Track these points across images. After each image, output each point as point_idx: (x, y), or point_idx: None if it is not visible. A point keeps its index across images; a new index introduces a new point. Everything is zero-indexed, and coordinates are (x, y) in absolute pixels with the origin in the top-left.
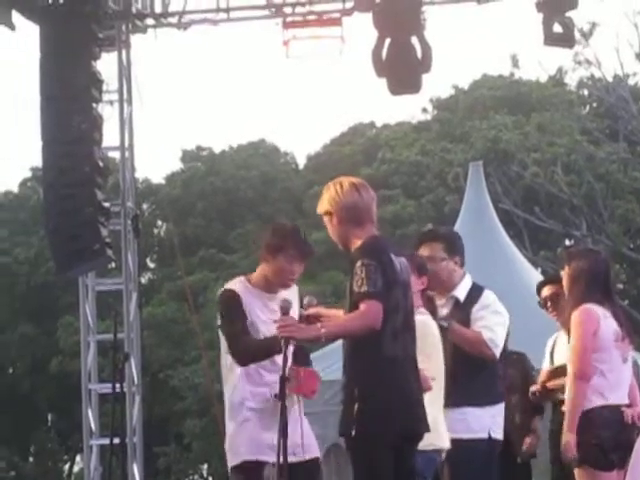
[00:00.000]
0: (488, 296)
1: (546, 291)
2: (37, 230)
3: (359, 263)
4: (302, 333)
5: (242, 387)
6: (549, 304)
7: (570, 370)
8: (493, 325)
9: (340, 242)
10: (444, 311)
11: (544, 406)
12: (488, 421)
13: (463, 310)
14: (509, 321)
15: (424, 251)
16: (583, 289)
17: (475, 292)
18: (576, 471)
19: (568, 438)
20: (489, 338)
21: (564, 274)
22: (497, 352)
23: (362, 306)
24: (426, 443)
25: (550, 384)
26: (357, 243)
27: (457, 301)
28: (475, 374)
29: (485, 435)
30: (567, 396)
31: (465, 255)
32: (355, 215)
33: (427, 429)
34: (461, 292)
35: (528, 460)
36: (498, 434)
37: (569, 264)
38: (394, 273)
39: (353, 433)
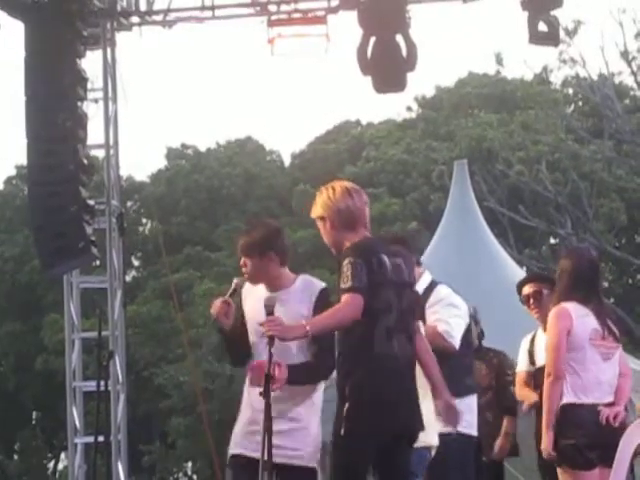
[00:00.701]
0: (440, 290)
1: (527, 289)
2: (22, 228)
3: (345, 261)
4: (289, 332)
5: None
6: (531, 301)
7: (545, 369)
8: (447, 317)
9: (333, 246)
10: None
11: (517, 406)
12: None
13: (421, 307)
14: (470, 312)
15: None
16: (565, 287)
17: (429, 288)
18: (558, 470)
19: (546, 437)
20: (444, 330)
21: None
22: (455, 343)
23: (342, 298)
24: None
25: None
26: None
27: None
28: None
29: (451, 429)
30: (544, 395)
31: (450, 254)
32: (348, 220)
33: (421, 428)
34: (418, 290)
35: (500, 459)
36: (466, 428)
37: (558, 262)
38: (383, 273)
39: (342, 431)
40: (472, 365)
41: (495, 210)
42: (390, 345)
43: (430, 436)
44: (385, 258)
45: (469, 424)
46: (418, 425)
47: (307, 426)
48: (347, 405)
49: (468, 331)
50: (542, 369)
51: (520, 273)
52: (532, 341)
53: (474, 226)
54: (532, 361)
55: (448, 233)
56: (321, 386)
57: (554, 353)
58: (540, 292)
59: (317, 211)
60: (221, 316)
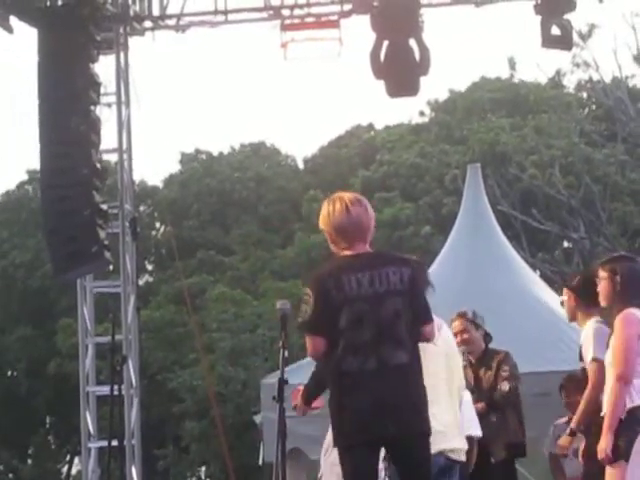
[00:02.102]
0: None
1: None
2: (34, 233)
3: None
4: None
5: None
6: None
7: (612, 372)
8: None
9: None
10: None
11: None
12: None
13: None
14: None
15: None
16: (627, 294)
17: None
18: (608, 468)
19: (605, 439)
20: None
21: (600, 279)
22: None
23: (306, 338)
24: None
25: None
26: None
27: None
28: None
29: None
30: (608, 398)
31: (464, 258)
32: (343, 236)
33: (412, 432)
34: None
35: (512, 458)
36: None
37: (610, 269)
38: (344, 293)
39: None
40: None
41: (508, 214)
42: (360, 360)
43: (443, 441)
44: (348, 277)
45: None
46: (405, 428)
47: None
48: (330, 422)
49: None
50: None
51: (533, 277)
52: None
53: (487, 230)
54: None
55: (461, 237)
56: None
57: (624, 357)
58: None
59: (320, 223)
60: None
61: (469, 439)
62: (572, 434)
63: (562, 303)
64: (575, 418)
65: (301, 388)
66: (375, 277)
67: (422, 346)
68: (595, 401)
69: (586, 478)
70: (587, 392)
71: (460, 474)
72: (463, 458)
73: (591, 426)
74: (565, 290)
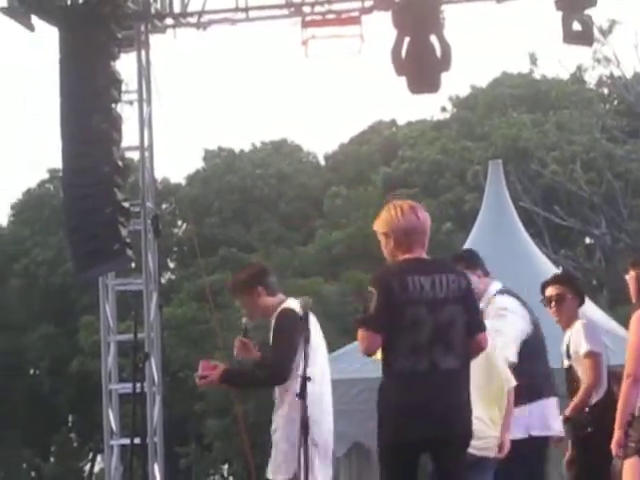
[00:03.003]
0: (495, 303)
1: (550, 291)
2: (56, 231)
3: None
4: None
5: None
6: (553, 304)
7: (625, 371)
8: (499, 327)
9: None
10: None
11: None
12: (524, 420)
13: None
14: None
15: None
16: None
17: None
18: (624, 462)
19: (616, 435)
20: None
21: (629, 278)
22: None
23: (359, 333)
24: None
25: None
26: None
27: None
28: None
29: (523, 435)
30: (621, 395)
31: (486, 255)
32: (408, 240)
33: (455, 437)
34: (484, 302)
35: None
36: (539, 431)
37: (634, 268)
38: (406, 294)
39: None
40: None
41: (530, 210)
42: (414, 360)
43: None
44: (412, 279)
45: (543, 426)
46: (447, 432)
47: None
48: (377, 420)
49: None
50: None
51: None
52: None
53: (509, 226)
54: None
55: (483, 234)
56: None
57: (636, 355)
58: (563, 296)
59: (381, 227)
60: (243, 353)
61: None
62: (565, 420)
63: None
64: (570, 408)
65: (213, 363)
66: (436, 282)
67: None
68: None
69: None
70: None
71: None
72: (491, 454)
73: (603, 422)
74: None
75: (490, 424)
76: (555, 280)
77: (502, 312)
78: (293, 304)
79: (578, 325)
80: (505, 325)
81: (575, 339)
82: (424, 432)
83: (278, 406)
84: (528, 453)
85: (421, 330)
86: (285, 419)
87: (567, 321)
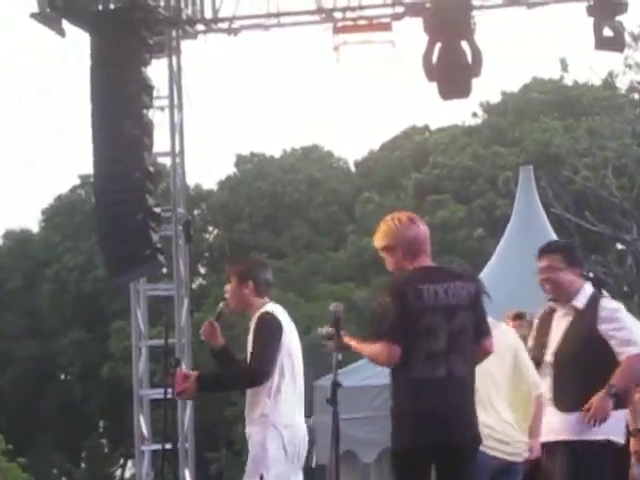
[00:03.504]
0: (606, 305)
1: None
2: (87, 237)
3: (377, 300)
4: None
5: None
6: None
7: None
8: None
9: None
10: (566, 320)
11: None
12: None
13: (583, 319)
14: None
15: (544, 262)
16: None
17: (593, 300)
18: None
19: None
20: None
21: None
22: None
23: (380, 344)
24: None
25: None
26: None
27: (577, 310)
28: None
29: (602, 437)
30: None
31: (517, 259)
32: (414, 248)
33: (467, 444)
34: (581, 301)
35: None
36: (617, 437)
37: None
38: (421, 302)
39: (391, 451)
40: None
41: (561, 216)
42: (431, 367)
43: (491, 444)
44: (425, 287)
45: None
46: (460, 440)
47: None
48: (391, 426)
49: None
50: None
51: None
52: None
53: (540, 232)
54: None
55: (514, 239)
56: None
57: None
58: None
59: (384, 240)
60: (209, 337)
61: None
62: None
63: None
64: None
65: (184, 372)
66: (449, 290)
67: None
68: None
69: None
70: None
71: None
72: (520, 459)
73: None
74: None
75: (519, 429)
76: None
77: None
78: (274, 309)
79: None
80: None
81: None
82: (440, 438)
83: (251, 407)
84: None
85: (437, 337)
86: (258, 422)
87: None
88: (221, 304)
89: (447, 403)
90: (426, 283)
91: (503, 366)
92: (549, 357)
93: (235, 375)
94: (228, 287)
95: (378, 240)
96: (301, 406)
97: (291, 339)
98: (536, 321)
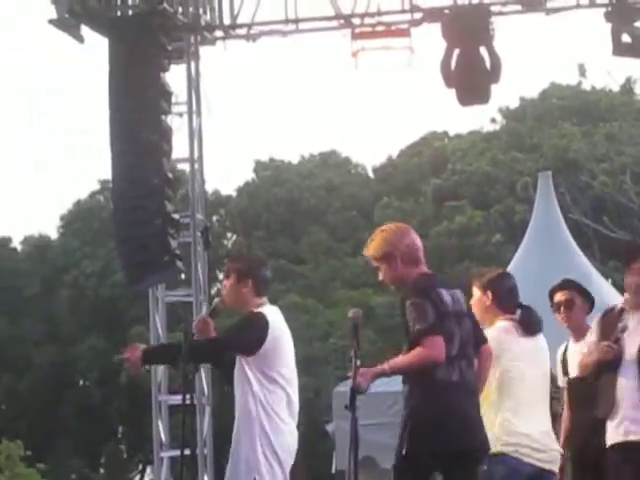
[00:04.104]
0: None
1: (559, 296)
2: (105, 242)
3: (408, 303)
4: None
5: None
6: (562, 309)
7: None
8: None
9: (396, 283)
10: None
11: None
12: None
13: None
14: None
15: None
16: None
17: None
18: None
19: None
20: None
21: None
22: None
23: (424, 342)
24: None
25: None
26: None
27: None
28: None
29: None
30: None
31: (535, 266)
32: (412, 255)
33: (481, 449)
34: None
35: None
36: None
37: None
38: (444, 306)
39: (404, 452)
40: None
41: (580, 222)
42: (450, 372)
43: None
44: (443, 291)
45: None
46: (476, 446)
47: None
48: (408, 427)
49: None
50: (576, 379)
51: (606, 285)
52: (565, 352)
53: (559, 238)
54: (565, 371)
55: (532, 245)
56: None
57: None
58: (572, 300)
59: (380, 249)
60: (201, 331)
61: None
62: None
63: None
64: None
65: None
66: (454, 297)
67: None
68: None
69: None
70: None
71: None
72: (554, 467)
73: None
74: None
75: (555, 437)
76: (564, 285)
77: None
78: (269, 311)
79: None
80: None
81: None
82: (459, 442)
83: (241, 409)
84: None
85: (453, 341)
86: (248, 425)
87: (576, 327)
88: (216, 300)
89: (459, 407)
90: (442, 288)
91: (538, 376)
92: (630, 356)
93: (200, 344)
94: (225, 283)
95: (373, 250)
96: (292, 410)
97: (283, 343)
98: (597, 321)
